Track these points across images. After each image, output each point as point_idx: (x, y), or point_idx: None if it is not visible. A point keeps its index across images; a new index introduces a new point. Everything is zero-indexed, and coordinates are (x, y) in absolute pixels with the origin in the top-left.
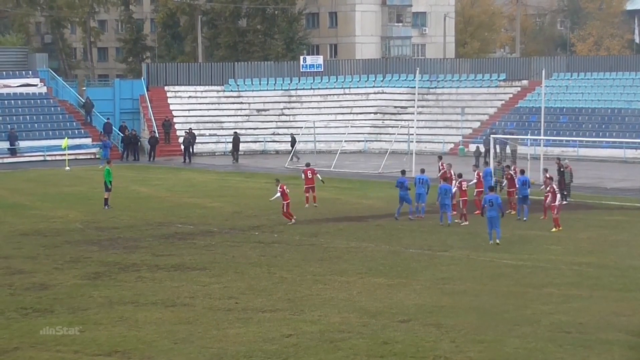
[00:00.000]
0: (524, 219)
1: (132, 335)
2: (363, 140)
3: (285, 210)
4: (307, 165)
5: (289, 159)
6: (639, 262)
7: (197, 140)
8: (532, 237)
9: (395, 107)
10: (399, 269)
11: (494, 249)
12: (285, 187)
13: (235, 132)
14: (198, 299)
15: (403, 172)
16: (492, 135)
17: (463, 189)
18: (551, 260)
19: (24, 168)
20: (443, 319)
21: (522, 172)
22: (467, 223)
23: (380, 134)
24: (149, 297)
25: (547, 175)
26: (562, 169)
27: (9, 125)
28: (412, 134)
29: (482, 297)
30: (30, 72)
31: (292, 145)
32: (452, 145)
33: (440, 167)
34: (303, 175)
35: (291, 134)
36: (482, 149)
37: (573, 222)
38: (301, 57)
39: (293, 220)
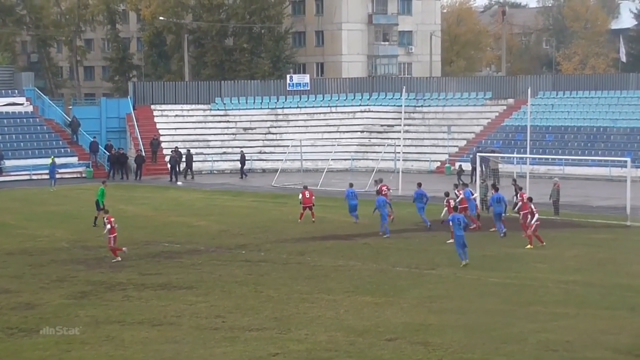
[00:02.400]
0: (501, 234)
1: (118, 355)
2: (350, 159)
3: (111, 245)
4: (305, 187)
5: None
6: (626, 280)
7: (193, 160)
8: (519, 255)
9: (382, 125)
10: (386, 287)
11: (481, 266)
12: (112, 220)
13: (242, 151)
14: (185, 318)
15: (419, 184)
16: (478, 153)
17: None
18: (538, 278)
19: (9, 187)
20: (430, 337)
21: (497, 189)
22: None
23: (367, 152)
24: (135, 316)
25: (522, 193)
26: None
27: None
28: (399, 152)
29: (469, 315)
30: (16, 91)
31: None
32: (438, 164)
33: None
34: (301, 196)
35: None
36: (467, 167)
37: (560, 240)
38: (288, 76)
39: (119, 258)
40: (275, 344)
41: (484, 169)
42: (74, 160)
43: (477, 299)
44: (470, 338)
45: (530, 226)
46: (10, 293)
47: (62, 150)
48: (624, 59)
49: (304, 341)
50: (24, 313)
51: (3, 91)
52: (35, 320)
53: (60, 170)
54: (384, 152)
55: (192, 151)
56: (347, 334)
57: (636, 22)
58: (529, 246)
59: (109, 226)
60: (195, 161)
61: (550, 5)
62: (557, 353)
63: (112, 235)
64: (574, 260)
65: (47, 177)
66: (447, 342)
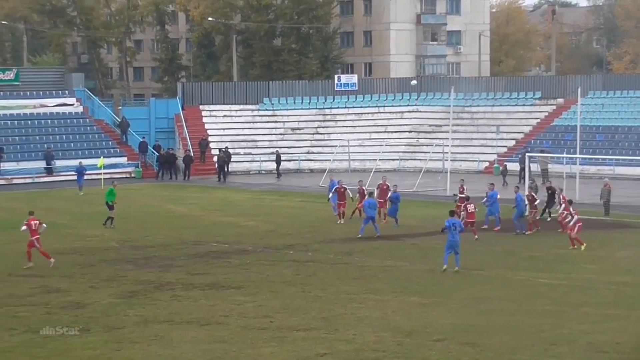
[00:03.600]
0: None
1: (167, 354)
2: (397, 159)
3: (28, 249)
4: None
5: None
6: None
7: (232, 159)
8: (568, 256)
9: (430, 125)
10: (433, 288)
11: (530, 267)
12: (35, 222)
13: (277, 150)
14: (233, 318)
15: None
16: (527, 154)
17: (469, 211)
18: (588, 279)
19: (60, 187)
20: (479, 339)
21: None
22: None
23: (415, 152)
24: (183, 315)
25: (563, 196)
26: (549, 192)
27: (45, 145)
28: (447, 153)
29: (518, 317)
30: (66, 91)
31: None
32: (487, 164)
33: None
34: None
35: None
36: (514, 167)
37: (610, 240)
38: (336, 76)
39: (30, 264)
40: (323, 344)
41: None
42: (123, 160)
43: (525, 300)
44: (519, 339)
45: (571, 228)
46: (60, 292)
47: (112, 150)
48: None
49: (352, 341)
50: (74, 312)
51: (54, 92)
52: (85, 319)
53: (109, 171)
54: (432, 152)
55: (240, 151)
56: (394, 334)
57: None
58: (571, 247)
59: (24, 227)
60: (243, 161)
61: (601, 4)
62: (607, 354)
63: (34, 238)
64: (624, 261)
65: (97, 177)
66: (496, 343)
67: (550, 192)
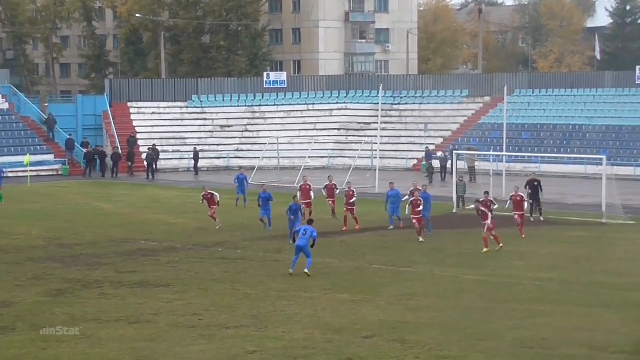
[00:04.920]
0: (428, 233)
1: (95, 353)
2: (326, 156)
3: None
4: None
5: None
6: (601, 277)
7: (160, 157)
8: (495, 252)
9: (359, 123)
10: (362, 284)
11: (458, 264)
12: None
13: (195, 147)
14: (161, 316)
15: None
16: (454, 151)
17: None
18: (514, 275)
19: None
20: (407, 335)
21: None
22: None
23: (344, 149)
24: (112, 313)
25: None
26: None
27: None
28: (376, 150)
29: (445, 313)
30: None
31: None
32: (415, 161)
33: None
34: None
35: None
36: (438, 164)
37: (536, 237)
38: (264, 73)
39: None
40: (252, 342)
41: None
42: (50, 157)
43: (453, 296)
44: (447, 335)
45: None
46: None
47: (38, 147)
48: (599, 57)
49: (281, 339)
50: None
51: None
52: (11, 318)
53: (35, 168)
54: (361, 150)
55: (169, 149)
56: (323, 331)
57: (611, 20)
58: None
59: None
60: (172, 159)
61: (526, 3)
62: (533, 350)
63: None
64: (549, 257)
65: (23, 174)
66: (424, 339)
67: (536, 183)
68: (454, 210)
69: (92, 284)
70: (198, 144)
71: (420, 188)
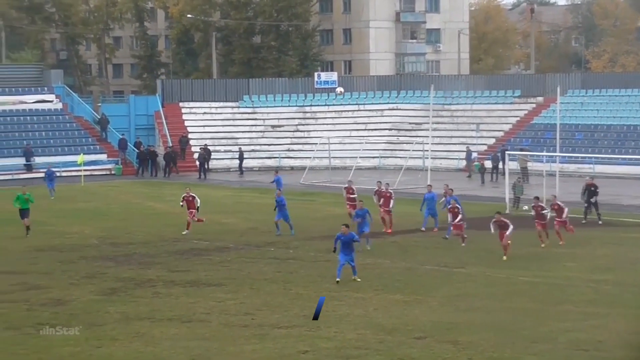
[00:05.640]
0: (446, 236)
1: (148, 351)
2: (378, 157)
3: None
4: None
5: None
6: None
7: (212, 157)
8: (548, 254)
9: (410, 123)
10: (414, 285)
11: (511, 265)
12: None
13: (240, 148)
14: (214, 315)
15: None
16: (506, 152)
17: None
18: (568, 277)
19: (39, 184)
20: (459, 336)
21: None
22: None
23: (395, 150)
24: (165, 313)
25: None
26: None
27: (24, 141)
28: (427, 151)
29: (498, 314)
30: (45, 88)
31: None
32: (466, 162)
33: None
34: (345, 192)
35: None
36: (490, 165)
37: (590, 239)
38: (315, 74)
39: None
40: (305, 342)
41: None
42: (103, 157)
43: (506, 297)
44: (500, 337)
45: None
46: (40, 289)
47: (91, 147)
48: None
49: (333, 339)
50: (54, 309)
51: (33, 88)
52: (66, 316)
53: (89, 168)
54: (412, 150)
55: (221, 149)
56: (376, 332)
57: None
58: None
59: None
60: (223, 159)
61: (579, 3)
62: (588, 353)
63: None
64: (604, 259)
65: (77, 174)
66: (477, 341)
67: (593, 188)
68: (507, 211)
69: (145, 283)
70: (249, 144)
71: (451, 190)
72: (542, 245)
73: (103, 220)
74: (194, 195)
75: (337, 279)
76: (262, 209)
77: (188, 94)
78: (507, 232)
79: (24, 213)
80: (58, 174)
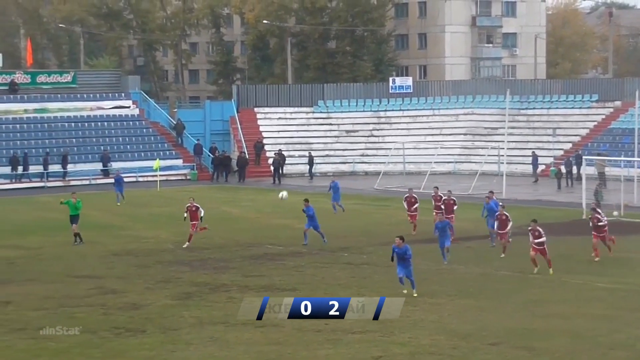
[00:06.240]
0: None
1: (222, 356)
2: (452, 162)
3: None
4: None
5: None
6: None
7: (287, 162)
8: (625, 260)
9: (486, 128)
10: (489, 291)
11: (587, 271)
12: None
13: (310, 152)
14: (287, 320)
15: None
16: (583, 157)
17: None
18: None
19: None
20: (535, 342)
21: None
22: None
23: (470, 155)
24: (239, 317)
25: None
26: None
27: (102, 147)
28: (503, 155)
29: (574, 320)
30: (123, 94)
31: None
32: (543, 167)
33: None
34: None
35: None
36: (564, 170)
37: None
38: (390, 79)
39: None
40: (378, 347)
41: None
42: (179, 162)
43: (583, 304)
44: (576, 344)
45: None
46: (116, 293)
47: (167, 152)
48: None
49: (407, 344)
50: (130, 313)
51: (110, 94)
52: (142, 320)
53: (165, 173)
54: (487, 155)
55: (295, 154)
56: (450, 337)
57: None
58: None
59: None
60: (298, 164)
61: None
62: None
63: None
64: None
65: (153, 179)
66: (553, 347)
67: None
68: (584, 217)
69: (220, 288)
70: (323, 149)
71: (492, 195)
72: (596, 259)
73: (178, 225)
74: (197, 205)
75: (404, 290)
76: (337, 214)
77: (263, 99)
78: (538, 241)
79: (73, 219)
80: (134, 179)
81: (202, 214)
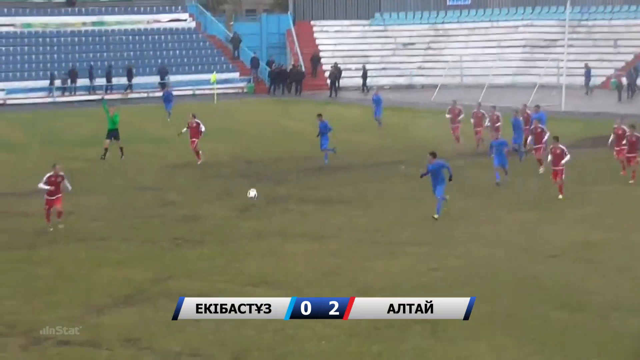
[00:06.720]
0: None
1: (280, 267)
2: (511, 74)
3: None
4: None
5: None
6: None
7: (343, 75)
8: None
9: (545, 40)
10: (548, 203)
11: None
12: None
13: (364, 65)
14: (344, 232)
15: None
16: None
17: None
18: None
19: (173, 102)
20: (594, 255)
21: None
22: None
23: (529, 67)
24: (296, 229)
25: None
26: None
27: (159, 60)
28: (562, 68)
29: (635, 233)
30: (179, 7)
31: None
32: (603, 79)
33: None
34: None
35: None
36: (625, 81)
37: None
38: None
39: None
40: (435, 259)
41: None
42: (235, 75)
43: None
44: (636, 256)
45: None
46: (175, 205)
47: (224, 66)
48: None
49: (463, 257)
50: (189, 224)
51: (167, 7)
52: (200, 232)
53: (222, 86)
54: (547, 68)
55: (351, 67)
56: (507, 250)
57: None
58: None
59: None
60: (354, 77)
61: None
62: None
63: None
64: None
65: (210, 92)
66: (611, 260)
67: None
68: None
69: (277, 200)
70: (380, 62)
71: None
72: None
73: (236, 138)
74: (199, 121)
75: (435, 215)
76: (393, 127)
77: (319, 12)
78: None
79: (110, 133)
80: (191, 93)
81: (203, 129)
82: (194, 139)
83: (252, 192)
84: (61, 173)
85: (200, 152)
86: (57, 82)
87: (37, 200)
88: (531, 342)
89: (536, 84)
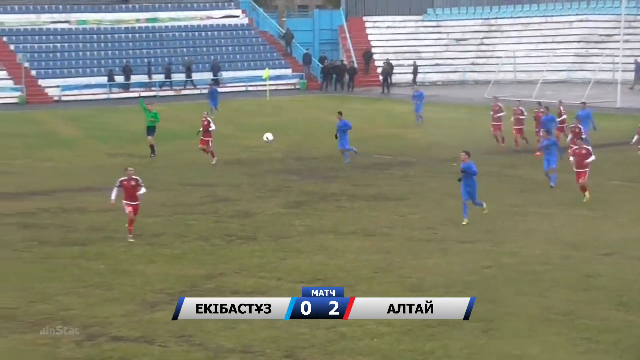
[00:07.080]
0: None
1: (332, 264)
2: (565, 70)
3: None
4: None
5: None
6: None
7: (395, 71)
8: None
9: (600, 35)
10: (601, 201)
11: None
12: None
13: (414, 62)
14: (396, 229)
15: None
16: None
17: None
18: None
19: (226, 98)
20: None
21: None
22: None
23: (584, 62)
24: (348, 226)
25: None
26: None
27: (212, 56)
28: (618, 63)
29: None
30: (232, 3)
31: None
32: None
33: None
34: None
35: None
36: None
37: None
38: None
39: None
40: (488, 257)
41: None
42: (287, 72)
43: None
44: None
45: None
46: (228, 201)
47: (277, 62)
48: None
49: (517, 254)
50: (242, 221)
51: (220, 3)
52: (253, 228)
53: (274, 82)
54: (602, 63)
55: (404, 63)
56: (561, 247)
57: None
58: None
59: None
60: (406, 73)
61: None
62: None
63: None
64: None
65: (262, 88)
66: None
67: None
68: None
69: (329, 197)
70: (433, 58)
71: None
72: None
73: (288, 134)
74: (209, 120)
75: (464, 221)
76: (445, 123)
77: (372, 8)
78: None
79: (149, 131)
80: (244, 89)
81: (212, 128)
82: (208, 139)
83: (270, 137)
84: (135, 177)
85: (213, 152)
86: (117, 79)
87: (91, 196)
88: (585, 341)
89: (591, 79)
